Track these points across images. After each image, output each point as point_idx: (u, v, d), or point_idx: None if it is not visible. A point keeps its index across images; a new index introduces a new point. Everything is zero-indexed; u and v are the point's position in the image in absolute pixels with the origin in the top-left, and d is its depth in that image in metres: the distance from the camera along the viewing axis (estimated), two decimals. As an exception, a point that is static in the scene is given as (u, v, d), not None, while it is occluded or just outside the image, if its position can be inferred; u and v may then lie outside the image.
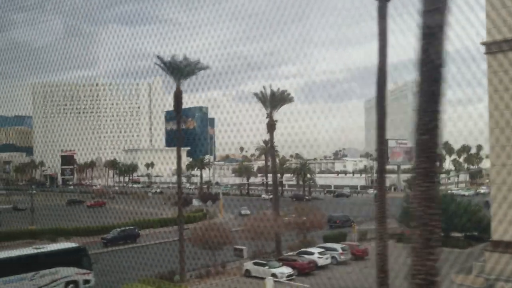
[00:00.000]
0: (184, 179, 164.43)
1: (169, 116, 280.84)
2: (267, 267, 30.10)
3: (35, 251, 29.79)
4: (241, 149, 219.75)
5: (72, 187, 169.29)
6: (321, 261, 32.25)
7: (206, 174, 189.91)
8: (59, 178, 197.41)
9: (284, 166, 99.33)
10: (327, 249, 34.15)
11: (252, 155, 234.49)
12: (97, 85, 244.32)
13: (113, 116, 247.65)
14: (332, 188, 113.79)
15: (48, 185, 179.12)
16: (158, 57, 30.74)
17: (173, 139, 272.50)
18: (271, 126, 40.65)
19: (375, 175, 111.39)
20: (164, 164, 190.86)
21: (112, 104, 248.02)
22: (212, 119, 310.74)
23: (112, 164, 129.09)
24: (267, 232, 34.77)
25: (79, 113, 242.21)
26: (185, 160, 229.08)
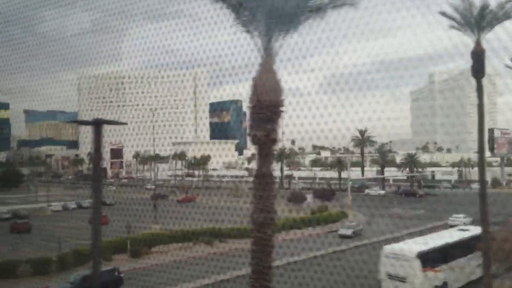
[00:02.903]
0: (246, 173, 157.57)
1: (213, 108, 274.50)
2: None
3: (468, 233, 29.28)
4: (293, 142, 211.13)
5: (125, 180, 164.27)
6: None
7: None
8: (109, 171, 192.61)
9: (386, 158, 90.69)
10: None
11: (300, 148, 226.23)
12: (142, 77, 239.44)
13: (157, 108, 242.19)
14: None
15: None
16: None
17: (219, 131, 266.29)
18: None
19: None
20: (217, 157, 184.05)
21: (157, 96, 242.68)
22: (245, 113, 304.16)
23: (181, 157, 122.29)
24: None
25: (124, 105, 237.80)
26: (234, 153, 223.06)
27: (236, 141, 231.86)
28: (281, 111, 12.40)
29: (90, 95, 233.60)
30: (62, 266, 31.25)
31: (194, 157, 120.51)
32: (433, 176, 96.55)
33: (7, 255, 38.24)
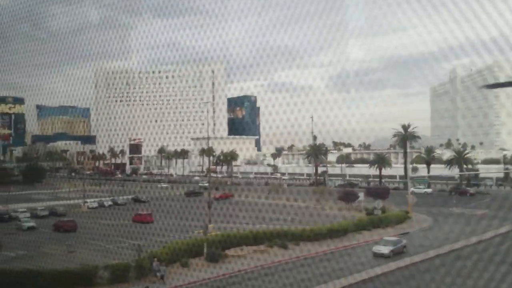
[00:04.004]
0: (270, 169, 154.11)
1: (234, 103, 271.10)
2: None
3: None
4: (315, 138, 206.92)
5: (145, 176, 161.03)
6: None
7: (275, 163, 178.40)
8: (128, 167, 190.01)
9: (432, 155, 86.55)
10: None
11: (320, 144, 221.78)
12: (159, 72, 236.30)
13: (176, 103, 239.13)
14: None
15: (118, 174, 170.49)
16: None
17: (235, 127, 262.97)
18: None
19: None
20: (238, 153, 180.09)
21: (175, 91, 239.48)
22: (259, 108, 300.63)
23: (208, 152, 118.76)
24: None
25: (142, 100, 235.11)
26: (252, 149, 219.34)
27: (256, 137, 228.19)
28: None
29: (107, 89, 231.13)
30: (140, 272, 27.75)
31: (222, 153, 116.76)
32: (507, 174, 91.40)
33: (66, 258, 35.09)
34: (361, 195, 63.28)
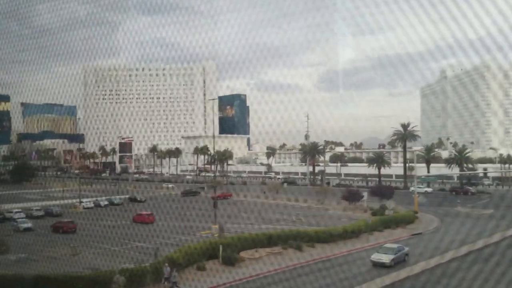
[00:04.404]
0: (263, 168, 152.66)
1: (225, 101, 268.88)
2: None
3: None
4: (306, 137, 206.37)
5: (137, 175, 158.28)
6: None
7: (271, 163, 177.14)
8: (117, 166, 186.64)
9: (432, 154, 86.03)
10: None
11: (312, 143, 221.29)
12: (150, 69, 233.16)
13: (166, 101, 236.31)
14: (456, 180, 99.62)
15: (108, 174, 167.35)
16: None
17: (226, 125, 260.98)
18: None
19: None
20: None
21: (166, 89, 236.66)
22: (249, 107, 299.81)
23: (203, 151, 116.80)
24: None
25: (132, 98, 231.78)
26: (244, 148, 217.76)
27: (247, 136, 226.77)
28: None
29: (97, 87, 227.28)
30: (157, 276, 26.22)
31: (217, 151, 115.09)
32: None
33: (72, 261, 33.37)
34: (365, 195, 62.32)
